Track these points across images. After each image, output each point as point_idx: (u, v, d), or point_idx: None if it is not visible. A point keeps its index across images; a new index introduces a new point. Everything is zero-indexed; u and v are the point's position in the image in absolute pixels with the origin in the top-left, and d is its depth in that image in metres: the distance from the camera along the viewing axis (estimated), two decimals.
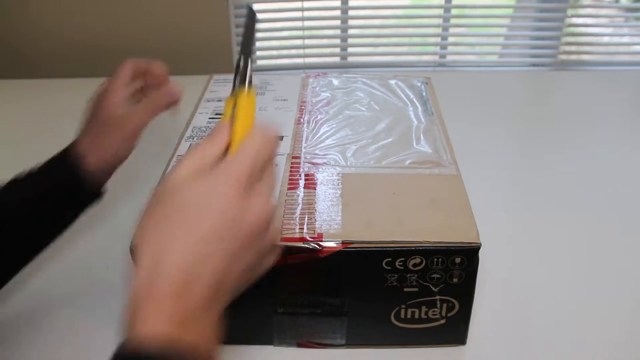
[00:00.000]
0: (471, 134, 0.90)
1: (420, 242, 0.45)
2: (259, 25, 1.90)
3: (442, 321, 0.50)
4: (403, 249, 0.45)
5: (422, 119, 0.62)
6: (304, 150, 0.56)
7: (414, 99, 0.67)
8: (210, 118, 0.63)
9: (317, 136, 0.59)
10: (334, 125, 0.61)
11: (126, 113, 0.53)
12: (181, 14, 1.51)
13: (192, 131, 0.60)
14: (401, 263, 0.45)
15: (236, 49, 1.57)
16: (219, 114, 0.63)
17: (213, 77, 0.73)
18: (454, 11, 1.59)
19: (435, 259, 0.45)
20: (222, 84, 0.71)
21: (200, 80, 1.14)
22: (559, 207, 0.73)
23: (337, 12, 1.58)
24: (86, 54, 1.55)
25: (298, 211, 0.48)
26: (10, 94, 1.09)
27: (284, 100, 0.66)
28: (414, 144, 0.57)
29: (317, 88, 0.70)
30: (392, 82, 0.71)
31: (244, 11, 1.54)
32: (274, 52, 1.71)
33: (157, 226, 0.30)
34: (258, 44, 1.63)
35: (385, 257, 0.45)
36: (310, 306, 0.49)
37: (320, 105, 0.65)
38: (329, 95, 0.67)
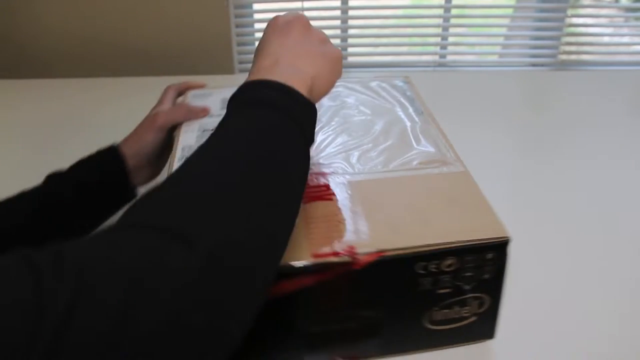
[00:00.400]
0: (471, 134, 0.90)
1: (453, 243, 0.44)
2: (259, 26, 1.90)
3: (474, 318, 0.50)
4: (437, 251, 0.44)
5: (416, 119, 0.62)
6: None
7: (401, 99, 0.67)
8: (198, 136, 0.60)
9: (315, 145, 0.57)
10: (330, 133, 0.60)
11: (159, 111, 0.63)
12: (181, 14, 1.51)
13: (183, 151, 0.57)
14: (435, 265, 0.45)
15: (236, 49, 1.57)
16: (207, 130, 0.60)
17: (188, 93, 0.69)
18: (454, 11, 1.59)
19: (468, 258, 0.45)
20: (200, 99, 0.67)
21: (200, 80, 1.15)
22: (558, 207, 0.73)
23: (337, 12, 1.58)
24: (86, 54, 1.55)
25: (322, 225, 0.47)
26: (12, 94, 1.09)
27: None
28: (415, 144, 0.57)
29: None
30: (374, 84, 0.71)
31: (244, 11, 1.55)
32: None
33: (260, 44, 0.50)
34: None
35: (419, 262, 0.44)
36: (344, 321, 0.48)
37: None
38: None
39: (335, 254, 0.43)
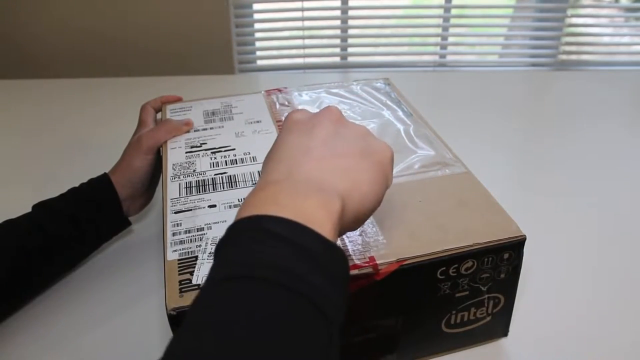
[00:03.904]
0: (471, 134, 0.90)
1: (472, 246, 0.44)
2: (259, 26, 1.90)
3: (488, 318, 0.50)
4: (456, 255, 0.44)
5: (407, 121, 0.62)
6: None
7: (388, 102, 0.66)
8: (187, 152, 0.57)
9: None
10: None
11: (142, 134, 0.60)
12: (181, 14, 1.51)
13: (174, 169, 0.54)
14: (454, 270, 0.45)
15: (236, 49, 1.57)
16: (195, 147, 0.57)
17: (167, 109, 0.66)
18: (454, 11, 1.59)
19: (486, 259, 0.45)
20: (180, 113, 0.64)
21: (201, 80, 1.15)
22: (558, 207, 0.73)
23: (337, 12, 1.58)
24: (86, 54, 1.55)
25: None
26: (12, 94, 1.09)
27: (258, 122, 0.62)
28: (413, 147, 0.57)
29: (286, 103, 0.66)
30: (356, 87, 0.70)
31: (244, 11, 1.55)
32: (274, 52, 1.71)
33: (272, 147, 0.37)
34: (258, 44, 1.63)
35: (440, 267, 0.44)
36: (364, 333, 0.47)
37: None
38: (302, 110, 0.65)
39: (356, 267, 0.42)
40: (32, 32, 1.53)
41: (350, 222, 0.33)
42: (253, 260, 0.26)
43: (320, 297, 0.26)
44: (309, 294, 0.25)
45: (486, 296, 0.48)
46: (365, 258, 0.43)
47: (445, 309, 0.48)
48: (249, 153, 0.56)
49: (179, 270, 0.42)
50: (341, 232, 0.33)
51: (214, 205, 0.48)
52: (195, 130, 0.61)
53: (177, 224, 0.46)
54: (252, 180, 0.51)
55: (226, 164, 0.54)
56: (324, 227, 0.28)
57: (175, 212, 0.48)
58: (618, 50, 1.68)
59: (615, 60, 1.64)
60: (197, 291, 0.39)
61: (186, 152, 0.57)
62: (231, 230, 0.28)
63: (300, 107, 0.66)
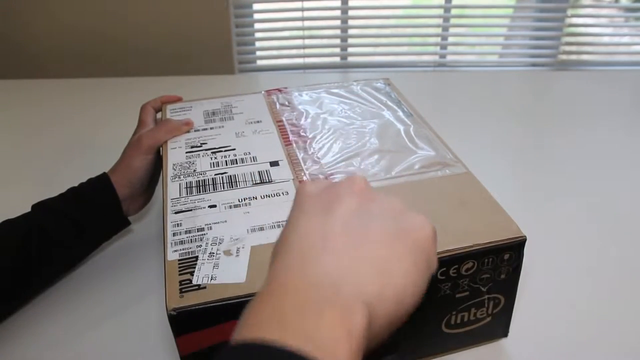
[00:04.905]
0: (471, 134, 0.90)
1: (472, 246, 0.44)
2: (259, 26, 1.91)
3: (489, 319, 0.50)
4: (457, 256, 0.44)
5: (407, 121, 0.62)
6: (307, 172, 0.53)
7: (388, 102, 0.66)
8: (187, 152, 0.57)
9: (313, 155, 0.56)
10: (325, 141, 0.58)
11: (142, 134, 0.60)
12: (181, 14, 1.51)
13: (174, 169, 0.54)
14: (455, 270, 0.45)
15: (236, 49, 1.57)
16: (195, 147, 0.57)
17: (167, 109, 0.66)
18: (454, 11, 1.59)
19: (486, 260, 0.45)
20: (180, 113, 0.64)
21: (201, 80, 1.15)
22: (558, 207, 0.73)
23: (337, 12, 1.58)
24: (86, 54, 1.55)
25: None
26: (12, 94, 1.09)
27: (258, 122, 0.62)
28: (413, 148, 0.57)
29: (287, 103, 0.66)
30: (356, 87, 0.70)
31: (244, 11, 1.55)
32: (274, 52, 1.71)
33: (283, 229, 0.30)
34: (258, 44, 1.63)
35: (440, 268, 0.44)
36: None
37: (299, 122, 0.62)
38: (303, 110, 0.65)
39: None
40: (32, 32, 1.53)
41: (383, 329, 0.26)
42: None
43: None
44: None
45: (486, 297, 0.48)
46: None
47: (446, 310, 0.48)
48: (249, 153, 0.56)
49: (179, 271, 0.41)
50: (370, 344, 0.25)
51: (214, 206, 0.48)
52: (195, 130, 0.61)
53: (178, 224, 0.46)
54: (252, 180, 0.51)
55: (226, 164, 0.54)
56: (342, 355, 0.22)
57: (176, 212, 0.48)
58: (618, 50, 1.68)
59: (615, 60, 1.64)
60: (197, 292, 0.40)
61: (186, 152, 0.57)
62: None
63: (300, 107, 0.66)
